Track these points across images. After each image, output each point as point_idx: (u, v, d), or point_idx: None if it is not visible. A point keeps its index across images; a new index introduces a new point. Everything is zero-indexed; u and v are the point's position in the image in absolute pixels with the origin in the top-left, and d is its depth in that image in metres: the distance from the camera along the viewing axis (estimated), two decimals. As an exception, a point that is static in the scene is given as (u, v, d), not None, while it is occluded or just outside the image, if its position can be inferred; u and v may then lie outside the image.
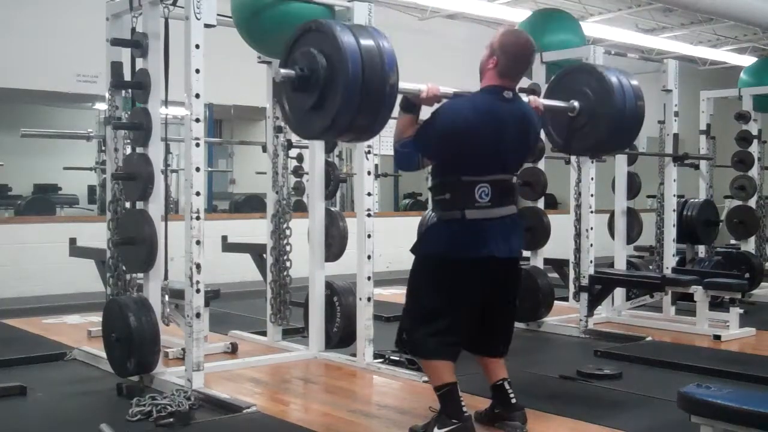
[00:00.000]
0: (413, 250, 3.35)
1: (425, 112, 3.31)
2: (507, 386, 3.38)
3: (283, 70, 3.06)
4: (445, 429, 3.17)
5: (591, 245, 5.67)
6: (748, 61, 10.64)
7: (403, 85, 3.13)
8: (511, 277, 3.40)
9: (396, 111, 3.16)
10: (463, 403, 3.21)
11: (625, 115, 3.75)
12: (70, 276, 7.02)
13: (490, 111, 3.22)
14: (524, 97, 3.45)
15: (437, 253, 3.25)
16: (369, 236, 4.45)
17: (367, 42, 2.95)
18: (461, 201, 3.20)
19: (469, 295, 3.23)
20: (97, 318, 5.29)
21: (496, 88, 3.27)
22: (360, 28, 3.08)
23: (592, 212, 5.71)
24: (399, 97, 3.20)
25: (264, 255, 5.16)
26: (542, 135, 3.96)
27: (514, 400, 3.36)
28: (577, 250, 5.97)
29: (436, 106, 3.28)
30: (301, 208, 7.02)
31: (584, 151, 4.11)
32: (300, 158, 7.66)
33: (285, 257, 4.92)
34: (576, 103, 3.82)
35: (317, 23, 3.08)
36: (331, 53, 2.95)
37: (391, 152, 3.43)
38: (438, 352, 3.23)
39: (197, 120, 3.80)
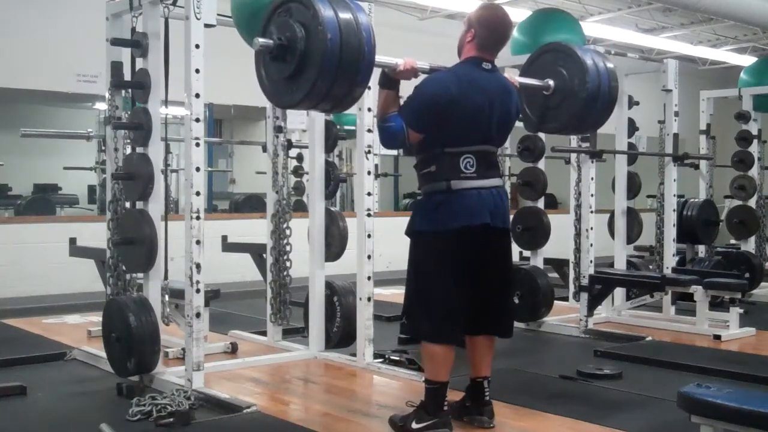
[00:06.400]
0: (407, 231, 3.35)
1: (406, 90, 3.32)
2: (485, 385, 3.39)
3: (261, 39, 3.12)
4: (422, 424, 3.21)
5: (591, 245, 5.67)
6: (748, 61, 10.63)
7: (380, 58, 3.16)
8: (503, 247, 3.40)
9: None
10: (445, 400, 3.24)
11: (599, 95, 3.75)
12: (70, 276, 7.02)
13: (471, 81, 3.26)
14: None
15: (428, 228, 3.25)
16: (369, 236, 4.45)
17: (345, 15, 3.01)
18: (446, 172, 3.22)
19: (465, 267, 3.22)
20: (97, 318, 5.29)
21: (475, 59, 3.32)
22: (338, 1, 3.08)
23: (592, 212, 5.71)
24: (378, 75, 3.25)
25: (264, 255, 5.16)
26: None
27: (487, 397, 3.39)
28: (577, 250, 5.97)
29: (416, 82, 3.29)
30: (301, 208, 7.03)
31: (557, 130, 4.11)
32: (300, 158, 7.68)
33: (285, 257, 4.91)
34: (551, 82, 3.81)
35: None
36: (309, 25, 3.01)
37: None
38: (439, 334, 3.22)
39: (197, 120, 3.80)
